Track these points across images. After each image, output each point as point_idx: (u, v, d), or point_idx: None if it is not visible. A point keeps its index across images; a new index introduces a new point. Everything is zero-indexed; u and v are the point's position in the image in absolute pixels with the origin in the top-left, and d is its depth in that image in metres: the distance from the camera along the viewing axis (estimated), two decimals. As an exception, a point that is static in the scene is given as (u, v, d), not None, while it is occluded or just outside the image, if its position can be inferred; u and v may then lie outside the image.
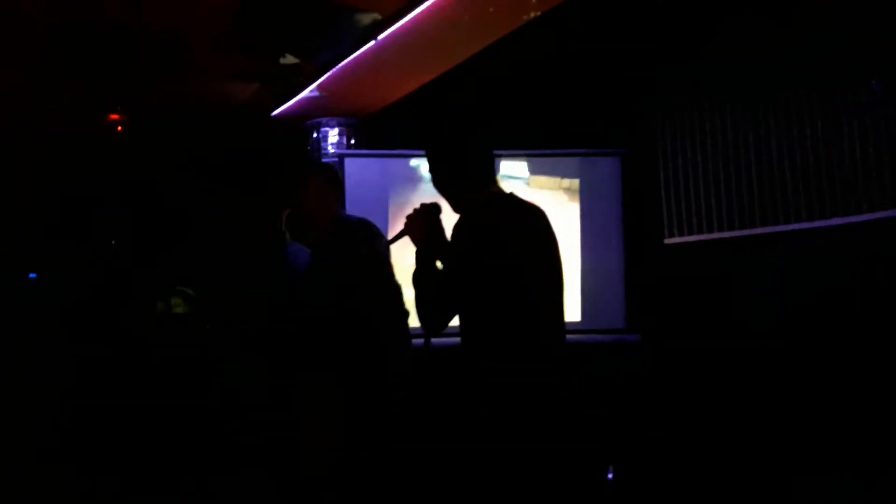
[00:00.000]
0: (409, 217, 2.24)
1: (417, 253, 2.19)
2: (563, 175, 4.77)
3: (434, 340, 3.44)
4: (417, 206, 2.25)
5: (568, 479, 2.06)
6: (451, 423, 2.22)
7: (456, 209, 2.24)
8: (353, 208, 4.12)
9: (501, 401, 2.03)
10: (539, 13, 3.46)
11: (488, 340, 2.08)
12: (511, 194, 2.24)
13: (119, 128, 4.91)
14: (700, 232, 4.29)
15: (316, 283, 3.24)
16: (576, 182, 4.77)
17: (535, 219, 2.21)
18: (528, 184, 4.73)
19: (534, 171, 4.77)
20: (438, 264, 2.18)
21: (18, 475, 4.02)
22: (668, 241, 4.47)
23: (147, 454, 4.18)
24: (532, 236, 2.17)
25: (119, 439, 4.43)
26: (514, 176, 4.72)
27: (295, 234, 3.73)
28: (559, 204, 4.71)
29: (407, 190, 4.66)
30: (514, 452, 2.00)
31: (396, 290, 3.15)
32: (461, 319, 2.13)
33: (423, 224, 2.20)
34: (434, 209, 2.23)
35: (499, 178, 2.30)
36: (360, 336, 3.05)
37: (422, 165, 4.74)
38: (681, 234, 4.40)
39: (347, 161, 4.82)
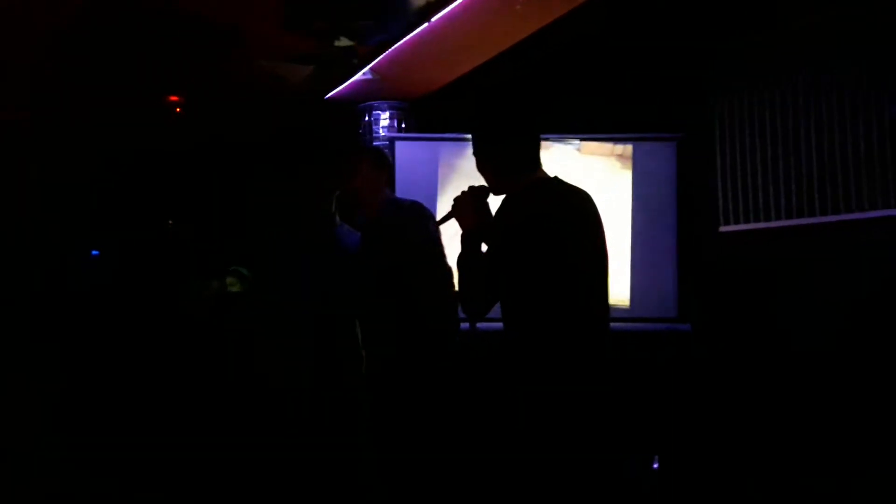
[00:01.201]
0: (456, 199, 2.23)
1: (463, 236, 2.18)
2: (616, 141, 4.66)
3: (480, 325, 3.42)
4: (465, 188, 2.25)
5: (606, 465, 2.04)
6: (495, 408, 2.21)
7: (497, 193, 2.23)
8: (403, 191, 4.14)
9: (542, 387, 2.00)
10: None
11: (529, 326, 2.05)
12: (556, 178, 2.20)
13: (178, 109, 5.02)
14: (757, 220, 4.18)
15: (366, 266, 3.26)
16: (629, 148, 4.64)
17: (580, 203, 2.17)
18: (579, 150, 4.63)
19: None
20: (484, 248, 2.16)
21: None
22: (723, 228, 4.37)
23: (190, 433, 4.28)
24: (576, 221, 2.12)
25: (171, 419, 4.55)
26: (565, 142, 4.63)
27: (345, 216, 3.75)
28: (611, 171, 4.60)
29: (458, 173, 4.65)
30: (556, 440, 1.98)
31: (448, 272, 3.15)
32: (502, 304, 2.11)
33: (470, 207, 2.19)
34: (482, 192, 2.23)
35: (549, 148, 2.25)
36: (411, 318, 3.06)
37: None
38: (736, 223, 4.30)
39: (398, 144, 4.85)
